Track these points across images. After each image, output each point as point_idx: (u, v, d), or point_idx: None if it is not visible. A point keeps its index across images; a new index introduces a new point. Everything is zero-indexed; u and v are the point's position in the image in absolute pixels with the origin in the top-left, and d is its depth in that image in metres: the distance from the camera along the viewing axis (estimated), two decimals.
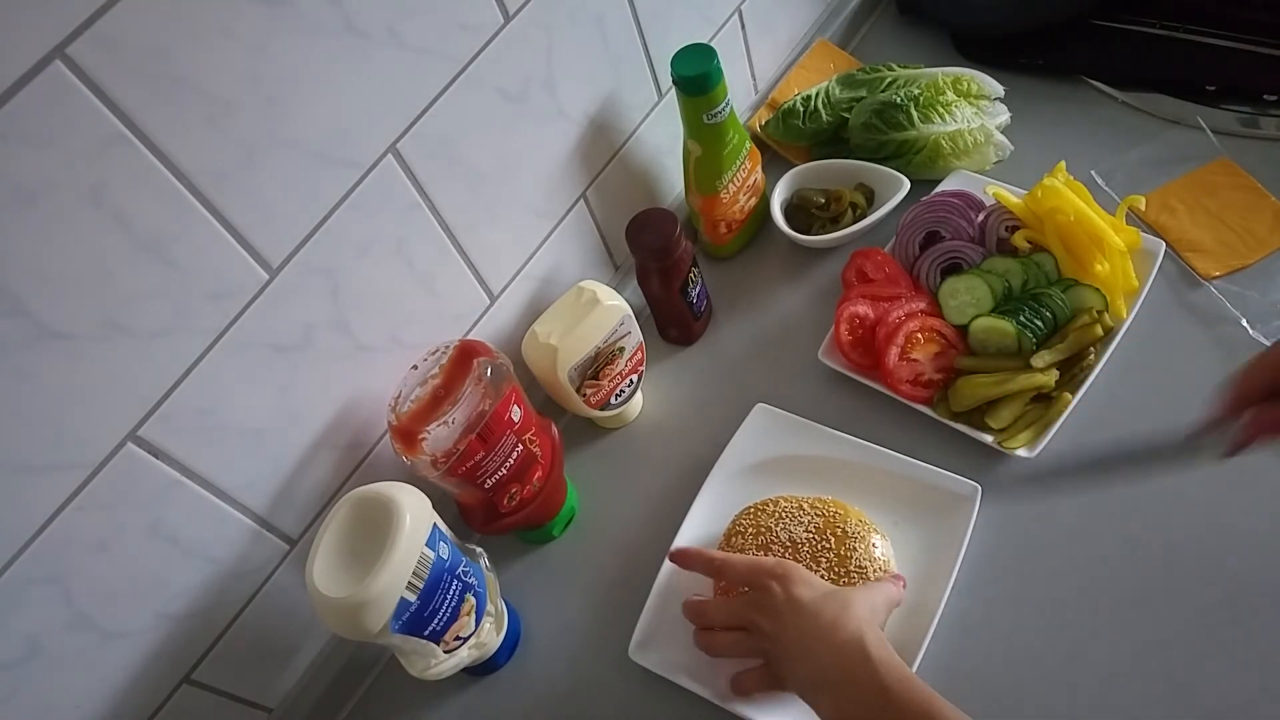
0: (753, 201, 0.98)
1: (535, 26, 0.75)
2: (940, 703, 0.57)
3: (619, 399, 0.88)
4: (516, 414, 0.74)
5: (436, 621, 0.68)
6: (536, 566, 0.86)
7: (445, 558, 0.67)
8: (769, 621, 0.66)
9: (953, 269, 0.87)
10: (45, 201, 0.51)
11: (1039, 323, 0.80)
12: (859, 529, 0.74)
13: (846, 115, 1.00)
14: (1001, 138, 0.97)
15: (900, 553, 0.75)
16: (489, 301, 0.84)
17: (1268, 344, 0.78)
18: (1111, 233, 0.82)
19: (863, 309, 0.86)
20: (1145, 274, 0.83)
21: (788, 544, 0.74)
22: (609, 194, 0.92)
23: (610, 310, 0.82)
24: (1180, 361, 0.80)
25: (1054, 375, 0.79)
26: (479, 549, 0.77)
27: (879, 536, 0.74)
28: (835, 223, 0.96)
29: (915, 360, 0.82)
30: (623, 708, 0.76)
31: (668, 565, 0.79)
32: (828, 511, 0.75)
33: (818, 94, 1.01)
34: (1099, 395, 0.78)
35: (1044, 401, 0.79)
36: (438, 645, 0.69)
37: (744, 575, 0.70)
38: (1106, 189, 0.92)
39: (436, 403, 0.71)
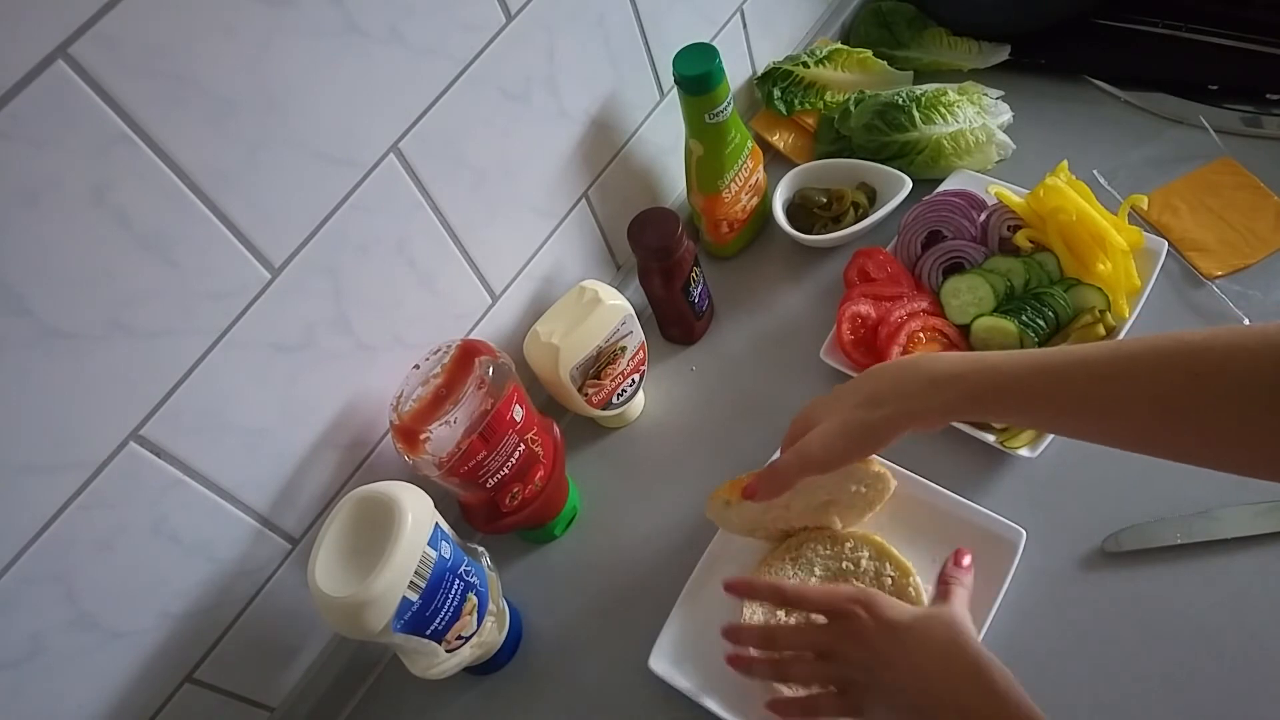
0: (754, 201, 0.98)
1: (537, 26, 0.75)
2: None
3: (621, 398, 0.88)
4: (518, 413, 0.74)
5: (439, 621, 0.68)
6: (538, 566, 0.86)
7: (447, 557, 0.67)
8: (858, 650, 0.62)
9: (955, 268, 0.87)
10: (47, 201, 0.51)
11: (1041, 322, 0.80)
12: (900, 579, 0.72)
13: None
14: (1004, 137, 0.96)
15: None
16: (491, 301, 0.84)
17: None
18: (1114, 232, 0.82)
19: (865, 308, 0.86)
20: (1148, 273, 0.83)
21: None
22: (611, 193, 0.92)
23: (612, 310, 0.81)
24: None
25: None
26: (481, 548, 0.77)
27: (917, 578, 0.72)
28: (837, 222, 0.96)
29: None
30: (625, 706, 0.76)
31: (692, 581, 0.76)
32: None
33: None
34: None
35: None
36: (440, 644, 0.69)
37: (821, 603, 0.65)
38: (1109, 188, 0.92)
39: (438, 402, 0.71)
